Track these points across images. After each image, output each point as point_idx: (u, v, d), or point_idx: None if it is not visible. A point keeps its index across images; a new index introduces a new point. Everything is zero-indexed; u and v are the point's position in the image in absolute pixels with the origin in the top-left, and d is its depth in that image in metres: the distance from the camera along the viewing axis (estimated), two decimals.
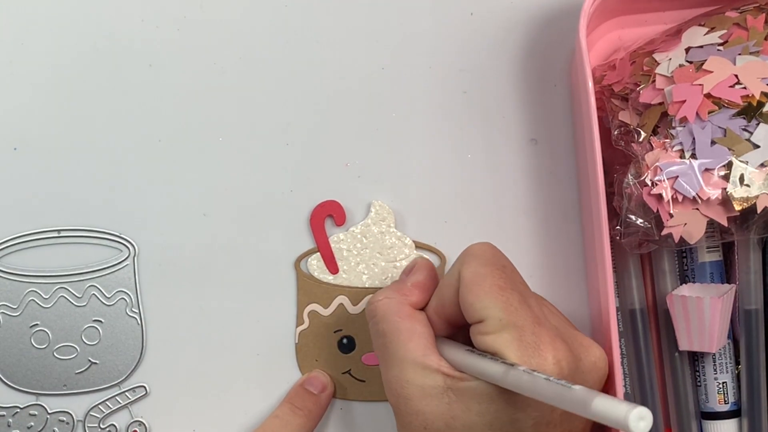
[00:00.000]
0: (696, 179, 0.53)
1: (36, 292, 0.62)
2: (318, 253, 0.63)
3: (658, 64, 0.56)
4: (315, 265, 0.62)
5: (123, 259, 0.62)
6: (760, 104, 0.53)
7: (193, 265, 0.63)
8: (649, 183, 0.54)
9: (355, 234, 0.63)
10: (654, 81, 0.56)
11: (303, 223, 0.63)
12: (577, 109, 0.61)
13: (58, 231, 0.63)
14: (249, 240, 0.63)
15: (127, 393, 0.62)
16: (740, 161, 0.53)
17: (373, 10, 0.64)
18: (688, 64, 0.55)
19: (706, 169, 0.53)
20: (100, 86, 0.64)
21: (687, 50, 0.56)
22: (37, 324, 0.62)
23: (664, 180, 0.53)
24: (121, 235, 0.63)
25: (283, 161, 0.63)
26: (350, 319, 0.62)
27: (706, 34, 0.56)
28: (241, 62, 0.64)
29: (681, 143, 0.54)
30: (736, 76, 0.54)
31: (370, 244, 0.62)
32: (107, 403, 0.62)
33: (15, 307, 0.62)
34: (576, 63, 0.58)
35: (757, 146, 0.53)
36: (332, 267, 0.62)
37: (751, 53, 0.55)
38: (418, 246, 0.62)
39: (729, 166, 0.53)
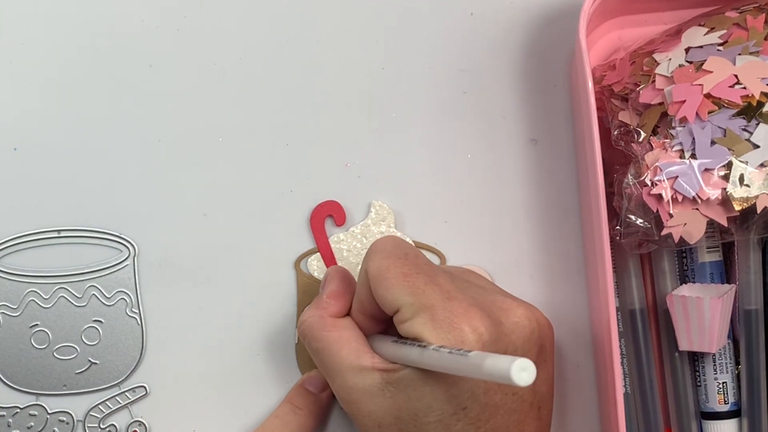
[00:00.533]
0: (696, 179, 0.53)
1: (36, 292, 0.62)
2: (318, 254, 0.62)
3: (658, 64, 0.56)
4: (315, 265, 0.62)
5: (123, 259, 0.62)
6: (760, 104, 0.53)
7: (193, 265, 0.63)
8: (649, 183, 0.54)
9: (355, 234, 0.62)
10: (654, 81, 0.56)
11: (303, 223, 0.63)
12: (577, 109, 0.61)
13: (58, 231, 0.63)
14: (249, 240, 0.63)
15: (127, 393, 0.62)
16: (740, 161, 0.53)
17: (373, 10, 0.64)
18: (687, 64, 0.55)
19: (706, 169, 0.53)
20: (100, 86, 0.64)
21: (687, 50, 0.56)
22: (37, 324, 0.62)
23: (663, 180, 0.53)
24: (121, 235, 0.63)
25: (283, 161, 0.63)
26: None
27: (706, 34, 0.56)
28: (241, 62, 0.64)
29: (681, 143, 0.54)
30: (736, 76, 0.54)
31: (369, 244, 0.62)
32: (107, 403, 0.62)
33: (15, 307, 0.62)
34: (576, 63, 0.58)
35: (756, 146, 0.53)
36: None
37: (750, 53, 0.55)
38: (418, 246, 0.62)
39: (729, 166, 0.53)
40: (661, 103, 0.55)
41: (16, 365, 0.62)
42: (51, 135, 0.63)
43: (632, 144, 0.55)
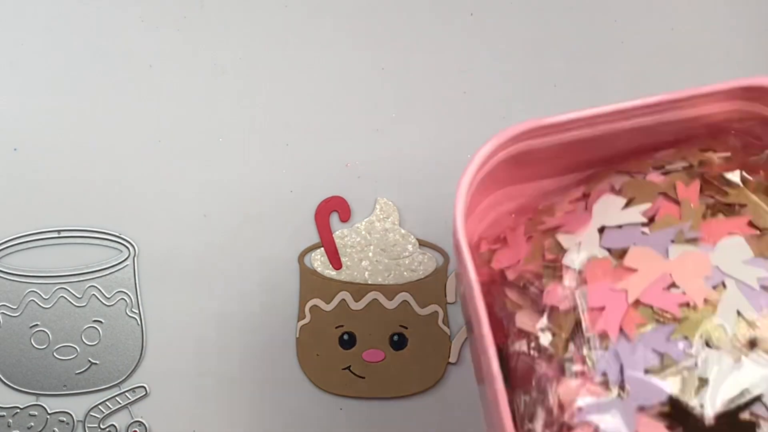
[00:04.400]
0: (630, 422, 0.39)
1: (36, 292, 0.62)
2: (322, 248, 0.63)
3: (565, 251, 0.42)
4: (318, 260, 0.62)
5: (123, 259, 0.62)
6: (704, 316, 0.39)
7: (193, 265, 0.63)
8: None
9: (360, 230, 0.63)
10: (561, 276, 0.42)
11: (302, 223, 0.63)
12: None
13: (58, 231, 0.63)
14: (249, 240, 0.63)
15: (127, 393, 0.62)
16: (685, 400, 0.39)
17: (373, 10, 0.64)
18: (604, 252, 0.42)
19: (641, 408, 0.39)
20: (100, 86, 0.64)
21: (601, 231, 0.42)
22: (37, 324, 0.62)
23: (587, 423, 0.39)
24: (121, 236, 0.63)
25: (283, 161, 0.63)
26: (352, 315, 0.62)
27: (624, 207, 0.43)
28: (241, 62, 0.64)
29: (604, 371, 0.39)
30: (671, 275, 0.41)
31: (374, 240, 0.62)
32: (107, 403, 0.62)
33: (15, 307, 0.62)
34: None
35: (705, 381, 0.38)
36: (335, 262, 0.63)
37: (687, 241, 0.41)
38: (422, 244, 0.62)
39: (672, 403, 0.39)
40: (574, 308, 0.41)
41: (16, 365, 0.62)
42: (51, 135, 0.63)
43: (537, 362, 0.40)
